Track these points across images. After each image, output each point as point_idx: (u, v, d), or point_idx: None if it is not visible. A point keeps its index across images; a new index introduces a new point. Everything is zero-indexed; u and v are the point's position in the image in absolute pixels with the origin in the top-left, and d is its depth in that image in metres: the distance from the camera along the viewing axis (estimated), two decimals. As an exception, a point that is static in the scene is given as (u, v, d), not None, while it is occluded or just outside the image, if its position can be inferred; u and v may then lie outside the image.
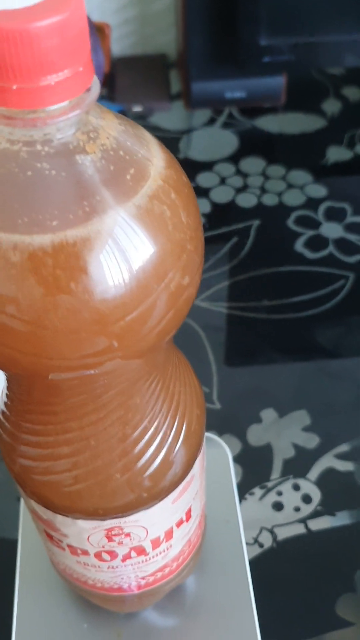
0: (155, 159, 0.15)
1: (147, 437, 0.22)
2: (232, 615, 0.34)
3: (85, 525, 0.24)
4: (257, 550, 0.38)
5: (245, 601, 0.35)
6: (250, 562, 0.37)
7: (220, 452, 0.41)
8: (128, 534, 0.25)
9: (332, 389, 0.45)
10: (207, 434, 0.42)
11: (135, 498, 0.23)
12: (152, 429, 0.22)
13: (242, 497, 0.40)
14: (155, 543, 0.26)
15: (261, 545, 0.38)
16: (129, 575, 0.28)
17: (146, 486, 0.23)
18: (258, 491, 0.40)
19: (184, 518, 0.27)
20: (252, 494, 0.40)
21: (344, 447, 0.42)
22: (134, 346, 0.17)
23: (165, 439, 0.23)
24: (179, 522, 0.27)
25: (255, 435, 0.43)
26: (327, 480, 0.40)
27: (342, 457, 0.41)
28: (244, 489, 0.40)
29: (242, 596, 0.35)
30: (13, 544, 0.38)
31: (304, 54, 0.59)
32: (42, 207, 0.14)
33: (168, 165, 0.16)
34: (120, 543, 0.25)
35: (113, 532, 0.24)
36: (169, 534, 0.27)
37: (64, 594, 0.35)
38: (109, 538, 0.25)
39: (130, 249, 0.15)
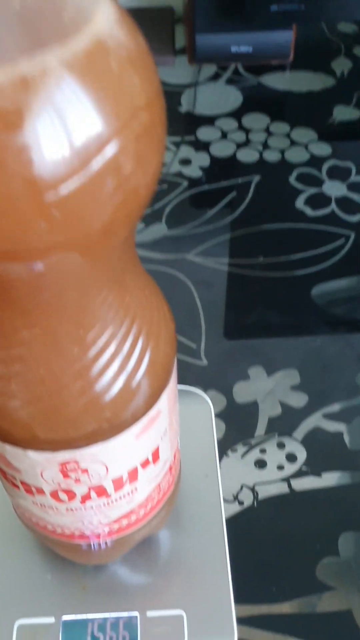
0: (100, 5, 0.13)
1: (104, 357, 0.20)
2: (205, 574, 0.32)
3: (36, 457, 0.22)
4: (236, 508, 0.36)
5: (220, 560, 0.33)
6: (229, 520, 0.35)
7: (203, 406, 0.39)
8: (85, 470, 0.23)
9: (325, 349, 0.43)
10: (189, 388, 0.40)
11: (92, 428, 0.21)
12: (111, 349, 0.20)
13: (223, 454, 0.38)
14: (118, 484, 0.24)
15: (241, 503, 0.36)
16: (91, 520, 0.26)
17: (104, 415, 0.21)
18: (241, 448, 0.38)
19: (151, 459, 0.25)
20: (234, 450, 0.38)
21: (333, 407, 0.40)
22: (78, 233, 0.15)
23: (125, 362, 0.21)
24: (144, 463, 0.25)
25: (241, 392, 0.41)
26: (314, 440, 0.38)
27: (331, 417, 0.39)
28: (226, 446, 0.38)
29: (216, 554, 0.33)
30: (-19, 492, 0.36)
31: (314, 4, 0.56)
32: None
33: (117, 17, 0.14)
34: (77, 480, 0.23)
35: (68, 467, 0.22)
36: (132, 475, 0.25)
37: (28, 544, 0.33)
38: (64, 474, 0.23)
39: (65, 105, 0.13)
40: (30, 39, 0.13)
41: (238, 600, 0.32)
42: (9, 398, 0.20)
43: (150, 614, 0.31)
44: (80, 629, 0.31)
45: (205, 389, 0.40)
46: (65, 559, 0.32)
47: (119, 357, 0.21)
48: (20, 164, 0.13)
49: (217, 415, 0.40)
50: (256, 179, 0.54)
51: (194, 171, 0.55)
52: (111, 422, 0.21)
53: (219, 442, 0.38)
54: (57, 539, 0.29)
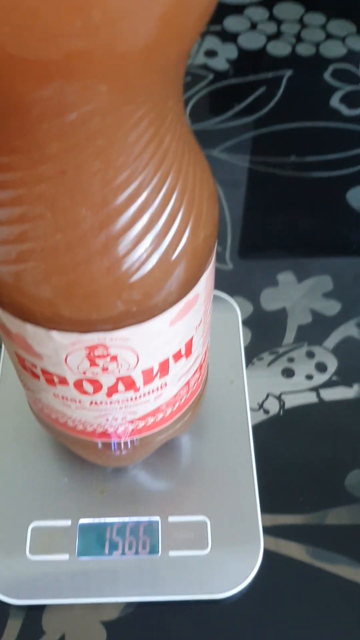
0: None
1: (139, 225, 0.17)
2: (230, 481, 0.31)
3: (61, 339, 0.19)
4: (261, 417, 0.34)
5: (246, 468, 0.31)
6: (254, 428, 0.33)
7: (230, 312, 0.36)
8: (115, 358, 0.20)
9: (360, 254, 0.40)
10: (216, 293, 0.37)
11: (122, 308, 0.19)
12: (146, 215, 0.17)
13: (249, 362, 0.36)
14: (148, 376, 0.22)
15: (266, 412, 0.34)
16: (116, 415, 0.24)
17: (136, 295, 0.18)
18: (267, 357, 0.36)
19: (183, 351, 0.23)
20: (260, 359, 0.36)
21: (368, 316, 0.37)
22: (114, 41, 0.12)
23: (163, 233, 0.18)
24: (176, 355, 0.22)
25: (270, 299, 0.38)
26: (345, 349, 0.36)
27: (365, 326, 0.37)
28: (252, 354, 0.36)
29: (242, 462, 0.31)
30: (-7, 392, 0.34)
31: None
32: None
33: None
34: (105, 369, 0.21)
35: (96, 353, 0.20)
36: (164, 368, 0.22)
37: (45, 446, 0.32)
38: (92, 361, 0.20)
39: None
40: None
41: (263, 509, 0.31)
42: (29, 268, 0.18)
43: (172, 519, 0.29)
44: (98, 533, 0.29)
45: (231, 295, 0.38)
46: (84, 462, 0.31)
47: (155, 228, 0.18)
48: None
49: (244, 323, 0.37)
50: (288, 74, 0.49)
51: (220, 63, 0.50)
52: (141, 305, 0.19)
53: (245, 350, 0.36)
54: (77, 437, 0.27)
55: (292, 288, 0.39)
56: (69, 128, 0.14)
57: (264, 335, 0.37)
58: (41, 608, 0.28)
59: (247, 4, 0.54)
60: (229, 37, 0.52)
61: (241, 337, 0.36)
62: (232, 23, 0.53)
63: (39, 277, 0.18)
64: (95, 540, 0.29)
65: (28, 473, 0.31)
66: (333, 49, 0.51)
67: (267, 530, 0.30)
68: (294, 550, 0.30)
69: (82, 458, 0.30)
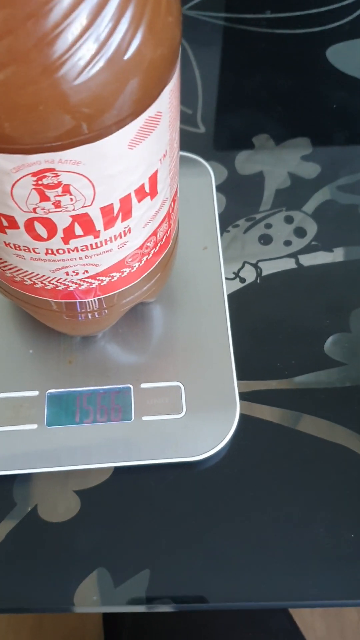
0: None
1: (82, 14, 0.15)
2: (205, 349, 0.29)
3: (4, 163, 0.17)
4: (237, 285, 0.32)
5: (221, 335, 0.30)
6: (230, 297, 0.32)
7: (203, 176, 0.34)
8: (67, 188, 0.18)
9: (341, 113, 0.37)
10: (187, 154, 0.34)
11: (69, 121, 0.16)
12: (90, 3, 0.15)
13: (224, 230, 0.34)
14: (108, 216, 0.20)
15: (243, 280, 0.32)
16: (76, 269, 0.22)
17: (84, 100, 0.16)
18: (243, 223, 0.34)
19: (147, 188, 0.20)
20: (236, 226, 0.34)
21: (348, 179, 0.35)
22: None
23: (114, 23, 0.15)
24: (139, 190, 0.20)
25: (245, 162, 0.36)
26: (325, 214, 0.34)
27: (345, 189, 0.35)
28: (227, 221, 0.34)
29: (217, 330, 0.30)
30: None
31: None
32: None
33: None
34: (57, 205, 0.19)
35: (45, 182, 0.18)
36: (126, 207, 0.20)
37: (7, 316, 0.30)
38: (41, 192, 0.18)
39: None
40: None
41: (240, 376, 0.29)
42: None
43: (145, 385, 0.28)
44: (68, 402, 0.28)
45: (205, 159, 0.35)
46: (50, 332, 0.29)
47: (100, 21, 0.15)
48: None
49: (218, 188, 0.35)
50: None
51: None
52: (90, 115, 0.16)
53: (219, 217, 0.34)
54: (39, 299, 0.25)
55: (269, 151, 0.36)
56: None
57: (240, 201, 0.35)
58: (11, 479, 0.27)
59: None
60: None
61: (215, 203, 0.33)
62: None
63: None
64: (64, 409, 0.27)
65: (-10, 344, 0.29)
66: None
67: (243, 396, 0.29)
68: (270, 413, 0.29)
69: (47, 328, 0.28)
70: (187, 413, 0.27)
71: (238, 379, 0.29)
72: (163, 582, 0.25)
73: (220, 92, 0.38)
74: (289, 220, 0.34)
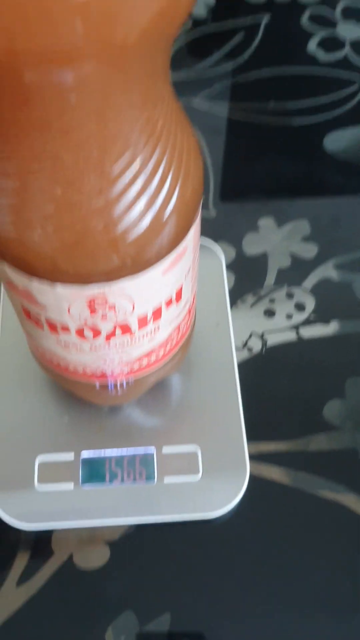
0: None
1: (133, 189, 0.19)
2: (218, 414, 0.34)
3: (64, 292, 0.21)
4: (246, 355, 0.36)
5: (232, 401, 0.34)
6: (239, 366, 0.36)
7: (214, 257, 0.38)
8: (112, 306, 0.23)
9: (337, 199, 0.42)
10: (201, 240, 0.39)
11: (119, 263, 0.21)
12: (140, 180, 0.19)
13: (233, 304, 0.38)
14: (142, 321, 0.24)
15: (250, 350, 0.37)
16: (113, 358, 0.26)
17: (131, 251, 0.20)
18: (250, 298, 0.38)
19: (174, 298, 0.25)
20: (244, 301, 0.38)
21: (343, 258, 0.40)
22: (112, 31, 0.13)
23: (155, 195, 0.20)
24: (168, 301, 0.24)
25: (251, 243, 0.40)
26: (322, 290, 0.39)
27: (340, 267, 0.39)
28: (235, 296, 0.38)
29: (229, 396, 0.34)
30: (-7, 339, 0.36)
31: None
32: None
33: None
34: (104, 317, 0.23)
35: (96, 302, 0.22)
36: (157, 313, 0.24)
37: (46, 388, 0.34)
38: (92, 310, 0.23)
39: None
40: None
41: (249, 438, 0.34)
42: (32, 228, 0.20)
43: (166, 450, 0.32)
44: (99, 464, 0.32)
45: (215, 241, 0.40)
46: (82, 402, 0.33)
47: (148, 191, 0.20)
48: None
49: (227, 267, 0.39)
50: (265, 19, 0.50)
51: (198, 10, 0.51)
52: (137, 259, 0.21)
53: (229, 293, 0.38)
54: (77, 380, 0.29)
55: (272, 232, 0.41)
56: (70, 107, 0.16)
57: (247, 278, 0.39)
58: (50, 532, 0.31)
59: None
60: (207, -20, 0.52)
61: (225, 281, 0.38)
62: (209, -34, 0.53)
63: (43, 236, 0.20)
64: (96, 470, 0.32)
65: (32, 413, 0.33)
66: (310, -8, 0.52)
67: (253, 457, 0.33)
68: (277, 474, 0.33)
69: (80, 398, 0.33)
70: (203, 474, 0.31)
71: (248, 440, 0.33)
72: (182, 624, 0.29)
73: (230, 178, 0.42)
74: (290, 295, 0.38)
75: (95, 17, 0.13)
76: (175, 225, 0.21)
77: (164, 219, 0.21)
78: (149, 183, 0.20)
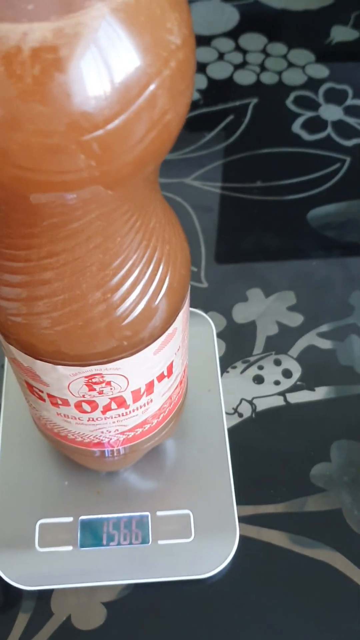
0: None
1: (128, 282, 0.22)
2: (209, 478, 0.35)
3: (65, 372, 0.24)
4: (236, 420, 0.39)
5: (222, 466, 0.36)
6: (230, 430, 0.38)
7: (206, 326, 0.41)
8: (109, 383, 0.25)
9: (320, 271, 0.45)
10: (192, 309, 0.42)
11: (116, 345, 0.23)
12: (134, 275, 0.22)
13: (224, 370, 0.40)
14: (136, 395, 0.27)
15: (240, 415, 0.39)
16: (109, 429, 0.29)
17: (127, 334, 0.23)
18: (240, 365, 0.41)
19: (166, 372, 0.27)
20: (234, 367, 0.41)
21: (327, 327, 0.42)
22: (112, 168, 0.16)
23: (147, 286, 0.22)
24: (160, 376, 0.27)
25: (240, 313, 0.43)
26: (308, 357, 0.41)
27: (324, 335, 0.42)
28: (226, 363, 0.41)
29: (219, 461, 0.36)
30: (-3, 406, 0.38)
31: None
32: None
33: None
34: (100, 392, 0.25)
35: (94, 380, 0.24)
36: (149, 387, 0.27)
37: (46, 454, 0.36)
38: (90, 386, 0.25)
39: (111, 48, 0.14)
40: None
41: (239, 501, 0.35)
42: (39, 318, 0.22)
43: (160, 513, 0.34)
44: (97, 527, 0.34)
45: (206, 310, 0.42)
46: (81, 467, 0.35)
47: (141, 283, 0.22)
48: (70, 103, 0.14)
49: (218, 335, 0.42)
50: (254, 101, 0.54)
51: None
52: (132, 341, 0.23)
53: (220, 360, 0.41)
54: (76, 447, 0.31)
55: (260, 302, 0.43)
56: (71, 217, 0.19)
57: (237, 346, 0.42)
58: (49, 593, 0.33)
59: (215, 35, 0.59)
60: (199, 67, 0.57)
61: (216, 348, 0.40)
62: (200, 54, 0.57)
63: (47, 325, 0.22)
64: (94, 533, 0.33)
65: (33, 478, 0.35)
66: (294, 77, 0.56)
67: (242, 519, 0.35)
68: (266, 535, 0.35)
69: (79, 464, 0.34)
70: (195, 537, 0.33)
71: (237, 504, 0.35)
72: None
73: (220, 252, 0.45)
74: (277, 362, 0.41)
75: (99, 154, 0.16)
76: (166, 310, 0.24)
77: (155, 305, 0.23)
78: (142, 275, 0.22)
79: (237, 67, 0.56)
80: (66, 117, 0.14)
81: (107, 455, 0.32)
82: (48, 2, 0.13)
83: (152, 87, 0.15)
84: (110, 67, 0.14)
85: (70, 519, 0.34)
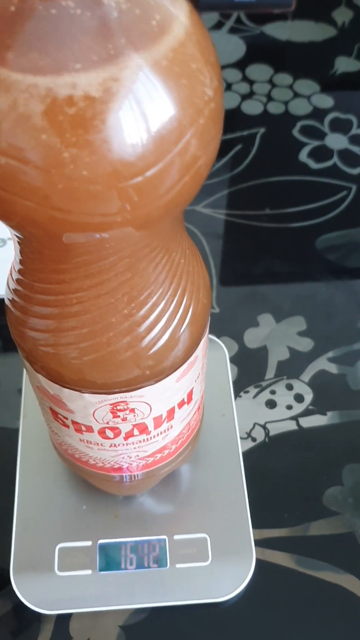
0: (180, 9, 0.15)
1: (154, 314, 0.23)
2: (225, 502, 0.36)
3: (91, 399, 0.25)
4: (250, 444, 0.39)
5: (238, 490, 0.36)
6: (244, 455, 0.39)
7: (219, 352, 0.42)
8: (132, 410, 0.26)
9: (329, 296, 0.46)
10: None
11: (140, 374, 0.24)
12: (160, 307, 0.23)
13: (237, 395, 0.41)
14: (157, 422, 0.27)
15: (254, 440, 0.39)
16: (130, 454, 0.29)
17: (151, 364, 0.24)
18: (253, 390, 0.41)
19: (186, 399, 0.28)
20: (247, 392, 0.41)
21: (337, 352, 0.43)
22: (146, 211, 0.17)
23: (172, 317, 0.23)
24: (180, 403, 0.28)
25: (252, 338, 0.44)
26: (319, 382, 0.42)
27: (335, 360, 0.43)
28: (239, 388, 0.41)
29: (235, 485, 0.37)
30: (14, 432, 0.39)
31: None
32: (63, 47, 0.14)
33: (193, 17, 0.16)
34: (124, 419, 0.26)
35: (118, 407, 0.25)
36: (170, 414, 0.28)
37: (64, 478, 0.37)
38: (114, 413, 0.26)
39: (149, 101, 0.15)
40: (118, 42, 0.15)
41: (254, 525, 0.36)
42: (67, 348, 0.23)
43: (177, 537, 0.34)
44: (115, 551, 0.34)
45: (218, 335, 0.43)
46: (99, 491, 0.36)
47: (166, 314, 0.23)
48: (113, 153, 0.15)
49: (231, 360, 0.42)
50: (261, 131, 0.55)
51: (200, 123, 0.56)
52: (156, 369, 0.24)
53: (233, 385, 0.41)
54: (95, 472, 0.32)
55: (271, 328, 0.44)
56: (103, 255, 0.20)
57: (249, 371, 0.42)
58: (68, 616, 0.33)
59: (222, 66, 0.60)
60: (207, 97, 0.58)
61: (229, 373, 0.41)
62: (209, 84, 0.59)
63: (75, 355, 0.23)
64: (112, 557, 0.34)
65: (52, 502, 0.36)
66: (300, 107, 0.57)
67: (258, 543, 0.36)
68: (281, 558, 0.35)
69: (97, 488, 0.35)
70: (212, 560, 0.34)
71: (253, 527, 0.36)
72: None
73: (230, 277, 0.46)
74: (289, 387, 0.42)
75: (134, 199, 0.17)
76: (188, 339, 0.25)
77: (178, 335, 0.24)
78: (167, 307, 0.23)
79: (245, 97, 0.58)
80: (109, 165, 0.15)
81: (125, 480, 0.32)
82: (91, 55, 0.14)
83: (187, 136, 0.16)
84: (151, 118, 0.15)
85: (89, 543, 0.34)
